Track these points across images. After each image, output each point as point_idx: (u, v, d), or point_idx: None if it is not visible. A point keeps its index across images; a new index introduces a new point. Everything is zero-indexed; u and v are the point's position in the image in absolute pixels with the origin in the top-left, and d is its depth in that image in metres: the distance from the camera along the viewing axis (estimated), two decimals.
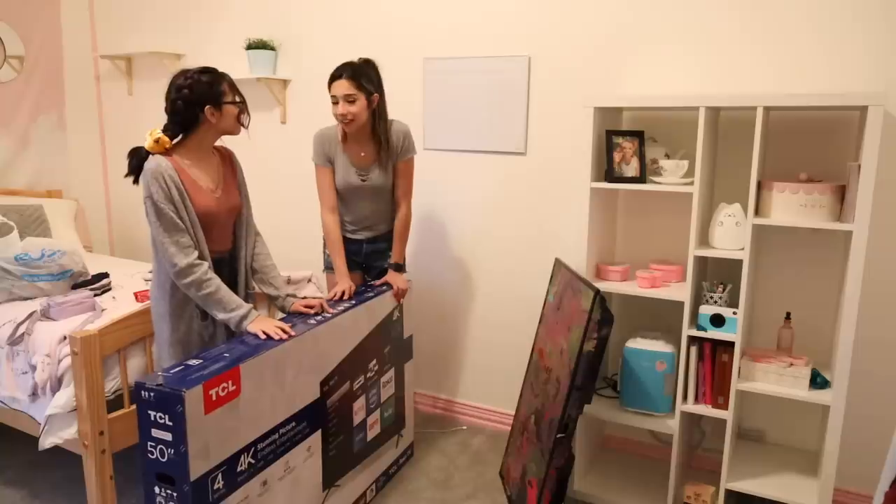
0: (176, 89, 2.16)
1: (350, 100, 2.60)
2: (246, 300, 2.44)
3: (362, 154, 2.75)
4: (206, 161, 2.27)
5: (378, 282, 2.84)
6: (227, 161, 2.39)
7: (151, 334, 2.59)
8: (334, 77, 2.63)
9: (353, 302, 2.56)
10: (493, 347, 3.40)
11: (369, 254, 2.93)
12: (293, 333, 2.14)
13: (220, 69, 2.26)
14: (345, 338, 2.45)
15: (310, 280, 3.25)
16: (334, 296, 2.64)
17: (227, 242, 2.37)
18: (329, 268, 2.94)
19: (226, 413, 1.86)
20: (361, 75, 2.62)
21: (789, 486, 2.47)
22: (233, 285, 2.38)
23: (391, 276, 2.85)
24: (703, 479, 2.77)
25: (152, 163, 2.12)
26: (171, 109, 2.18)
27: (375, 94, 2.65)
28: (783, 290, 2.71)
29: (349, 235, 2.88)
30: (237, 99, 2.23)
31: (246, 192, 2.43)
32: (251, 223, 2.45)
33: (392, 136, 2.75)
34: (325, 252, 2.96)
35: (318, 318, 2.35)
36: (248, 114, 2.29)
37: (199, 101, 2.15)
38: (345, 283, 2.69)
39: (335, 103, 2.63)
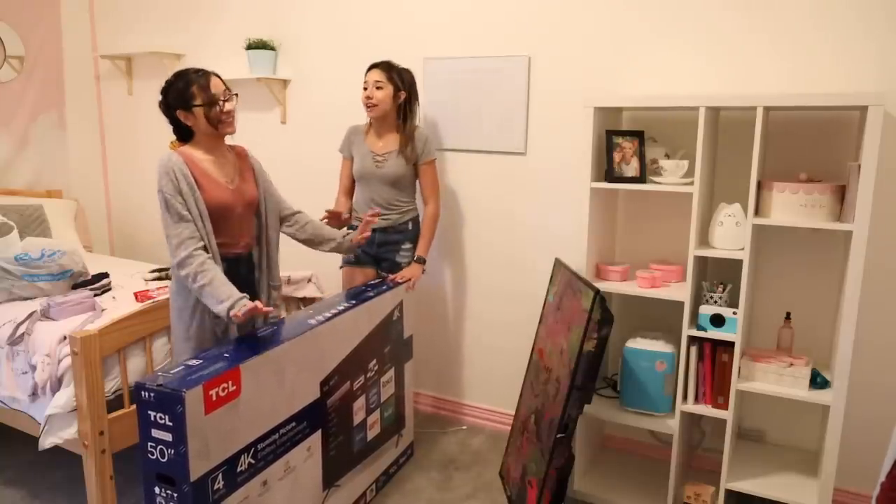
0: (161, 93, 2.24)
1: (378, 86, 2.87)
2: (270, 295, 2.47)
3: (381, 143, 2.97)
4: (219, 157, 2.30)
5: (393, 277, 2.90)
6: (244, 158, 2.42)
7: (151, 334, 2.60)
8: (370, 67, 2.93)
9: (354, 302, 2.56)
10: (493, 347, 3.40)
11: (381, 244, 3.02)
12: (271, 311, 2.15)
13: (220, 69, 2.27)
14: (345, 338, 2.45)
15: (310, 280, 3.25)
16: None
17: (249, 238, 2.38)
18: (346, 263, 3.08)
19: (226, 413, 1.86)
20: (394, 69, 2.91)
21: (789, 486, 2.47)
22: (251, 283, 2.39)
23: (410, 269, 2.98)
24: (703, 479, 2.76)
25: (164, 157, 2.18)
26: (163, 114, 2.27)
27: (403, 92, 2.91)
28: (783, 290, 2.71)
29: None
30: (203, 101, 2.19)
31: (269, 183, 2.47)
32: (286, 208, 2.52)
33: (416, 140, 2.96)
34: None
35: (319, 318, 2.35)
36: (220, 109, 2.22)
37: (173, 107, 2.22)
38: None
39: (365, 89, 2.89)
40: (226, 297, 2.12)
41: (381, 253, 3.04)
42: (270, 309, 2.14)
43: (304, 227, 2.55)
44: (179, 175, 2.15)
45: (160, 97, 2.24)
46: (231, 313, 2.08)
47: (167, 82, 2.23)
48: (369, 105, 2.89)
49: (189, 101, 2.19)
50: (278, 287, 2.54)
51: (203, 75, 2.22)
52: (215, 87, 2.22)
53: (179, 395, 1.71)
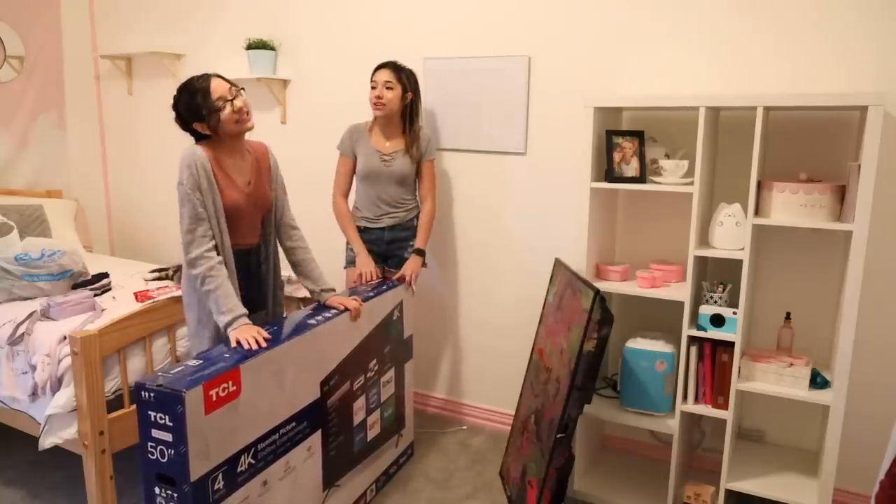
0: (173, 109, 2.22)
1: (388, 86, 2.90)
2: (275, 292, 2.49)
3: (387, 144, 2.99)
4: (239, 158, 2.31)
5: (394, 276, 2.93)
6: (264, 157, 2.41)
7: (151, 334, 2.60)
8: (378, 67, 2.95)
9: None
10: (493, 347, 3.39)
11: (390, 242, 3.07)
12: (264, 345, 2.05)
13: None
14: (345, 338, 2.45)
15: None
16: (360, 280, 2.91)
17: (256, 236, 2.39)
18: (350, 263, 3.08)
19: (226, 413, 1.86)
20: (402, 70, 2.96)
21: (789, 486, 2.47)
22: (260, 276, 2.42)
23: (409, 263, 3.00)
24: (703, 479, 2.76)
25: (188, 151, 2.18)
26: (182, 130, 2.26)
27: (410, 93, 2.97)
28: (783, 290, 2.70)
29: (370, 225, 3.06)
30: (213, 107, 2.17)
31: (282, 187, 2.47)
32: (286, 217, 2.49)
33: (421, 140, 3.02)
34: (347, 249, 3.11)
35: (318, 318, 2.35)
36: (232, 109, 2.18)
37: (189, 121, 2.21)
38: (367, 265, 2.96)
39: (374, 88, 2.92)
40: (227, 310, 2.14)
41: (390, 250, 3.08)
42: (269, 336, 2.11)
43: (295, 250, 2.50)
44: (201, 171, 2.15)
45: (173, 114, 2.22)
46: (229, 332, 2.10)
47: (174, 98, 2.21)
48: (378, 104, 2.91)
49: (200, 112, 2.17)
50: (282, 286, 2.56)
51: (204, 80, 2.19)
52: (219, 89, 2.18)
53: (179, 395, 1.71)
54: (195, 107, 2.17)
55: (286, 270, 2.63)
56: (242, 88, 2.26)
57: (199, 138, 2.25)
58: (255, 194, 2.33)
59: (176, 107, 2.21)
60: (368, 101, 2.95)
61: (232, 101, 2.19)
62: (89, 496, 2.44)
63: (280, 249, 2.52)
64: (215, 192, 2.19)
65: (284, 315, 2.57)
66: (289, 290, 3.10)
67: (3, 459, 3.07)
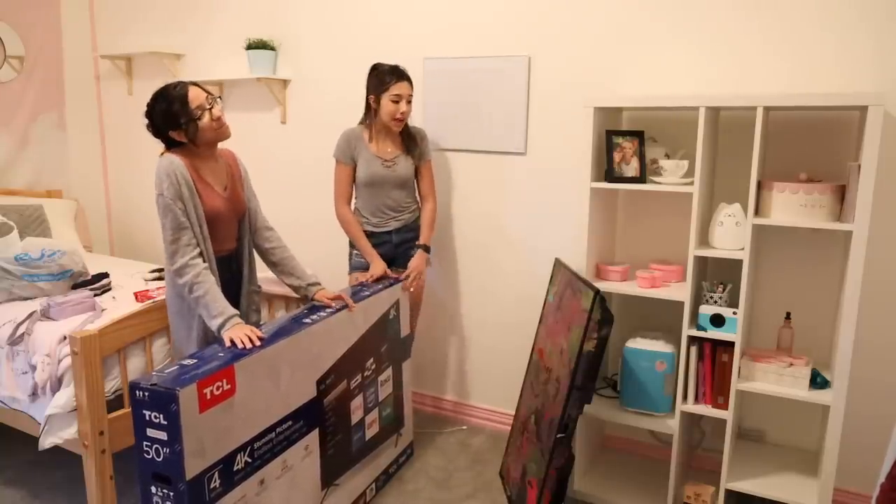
0: (146, 117, 2.21)
1: (409, 100, 2.87)
2: (251, 297, 2.48)
3: (389, 150, 2.95)
4: (212, 164, 2.30)
5: (400, 275, 2.94)
6: (234, 164, 2.42)
7: (151, 334, 2.60)
8: (399, 76, 2.84)
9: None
10: (493, 347, 3.39)
11: (399, 244, 3.05)
12: (258, 343, 2.05)
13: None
14: (340, 337, 2.45)
15: None
16: (370, 279, 2.86)
17: (232, 241, 2.40)
18: (355, 269, 3.05)
19: (221, 412, 1.86)
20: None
21: (789, 486, 2.46)
22: (238, 282, 2.42)
23: (414, 260, 3.00)
24: (703, 479, 2.76)
25: (166, 160, 2.16)
26: (154, 136, 2.25)
27: None
28: (783, 290, 2.70)
29: (376, 230, 3.01)
30: (191, 116, 2.16)
31: (252, 191, 2.47)
32: (260, 220, 2.48)
33: (420, 140, 3.01)
34: (350, 254, 3.08)
35: (313, 317, 2.34)
36: (210, 118, 2.19)
37: (164, 127, 2.19)
38: (378, 266, 2.91)
39: (396, 102, 2.82)
40: (218, 314, 2.14)
41: (399, 252, 3.06)
42: (262, 335, 2.11)
43: (274, 251, 2.49)
44: (181, 179, 2.15)
45: (146, 121, 2.20)
46: (222, 333, 2.10)
47: (148, 106, 2.19)
48: (401, 119, 2.86)
49: (178, 120, 2.16)
50: (259, 290, 2.56)
51: (182, 88, 2.18)
52: (197, 98, 2.18)
53: (173, 393, 1.71)
54: (173, 115, 2.15)
55: (263, 271, 2.61)
56: (219, 97, 2.26)
57: (170, 146, 2.25)
58: (233, 199, 2.34)
59: (149, 114, 2.19)
60: (382, 111, 2.83)
61: (210, 109, 2.19)
62: (89, 496, 2.44)
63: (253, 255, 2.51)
64: (196, 200, 2.18)
65: (262, 322, 2.56)
66: (288, 290, 3.10)
67: (3, 459, 3.07)
